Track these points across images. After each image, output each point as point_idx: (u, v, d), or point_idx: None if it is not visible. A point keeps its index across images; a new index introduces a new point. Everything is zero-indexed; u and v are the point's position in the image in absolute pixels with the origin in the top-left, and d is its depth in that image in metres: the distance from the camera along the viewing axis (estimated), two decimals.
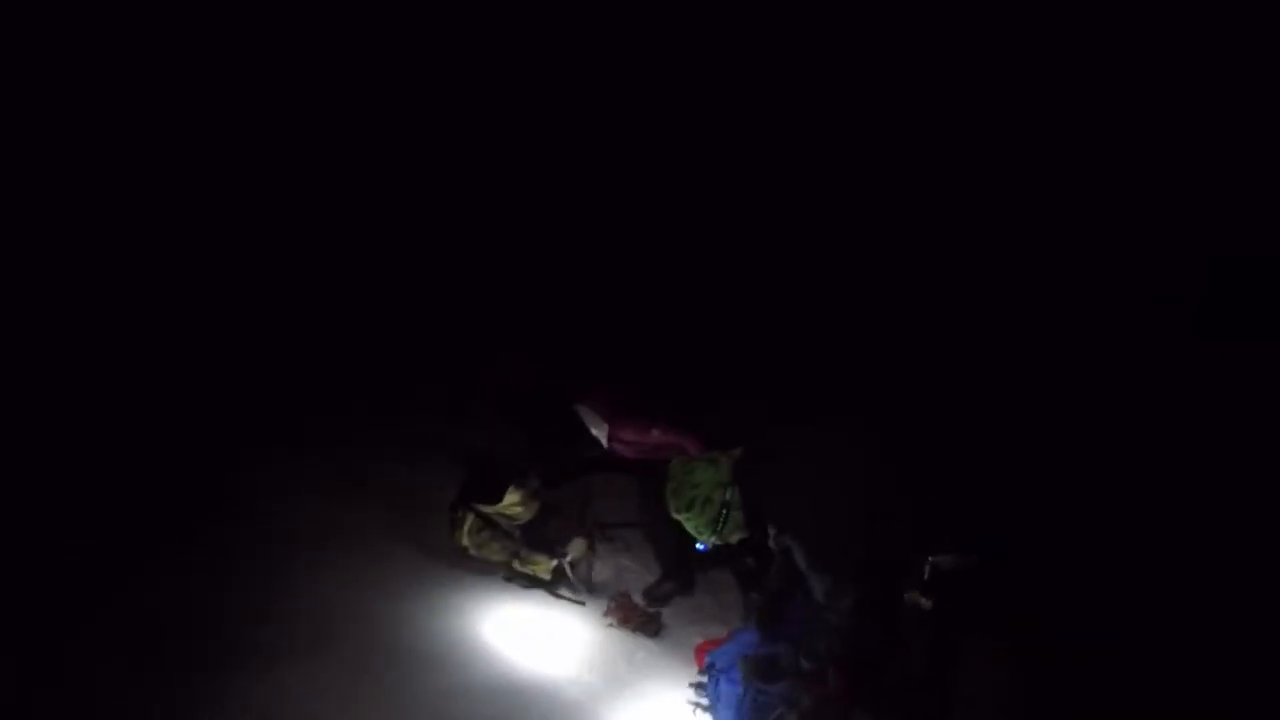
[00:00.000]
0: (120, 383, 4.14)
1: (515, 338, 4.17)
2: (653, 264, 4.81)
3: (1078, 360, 3.80)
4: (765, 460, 2.89)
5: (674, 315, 4.52)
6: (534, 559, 3.65)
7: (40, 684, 2.63)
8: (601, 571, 3.77)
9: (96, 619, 2.90)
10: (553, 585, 3.63)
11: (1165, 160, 3.79)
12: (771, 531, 2.88)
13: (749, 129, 4.80)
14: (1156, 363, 3.62)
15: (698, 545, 3.08)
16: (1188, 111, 3.75)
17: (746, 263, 4.68)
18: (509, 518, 3.71)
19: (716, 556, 3.49)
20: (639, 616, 3.53)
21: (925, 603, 2.74)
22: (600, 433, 3.58)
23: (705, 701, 3.12)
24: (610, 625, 3.51)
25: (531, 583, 3.64)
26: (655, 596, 3.61)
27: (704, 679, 3.16)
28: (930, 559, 2.72)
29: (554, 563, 3.63)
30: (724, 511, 2.91)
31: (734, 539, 3.01)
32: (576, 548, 3.69)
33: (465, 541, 3.65)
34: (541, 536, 3.74)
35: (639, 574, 3.77)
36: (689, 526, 2.98)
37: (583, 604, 3.60)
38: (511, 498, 3.69)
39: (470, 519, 3.66)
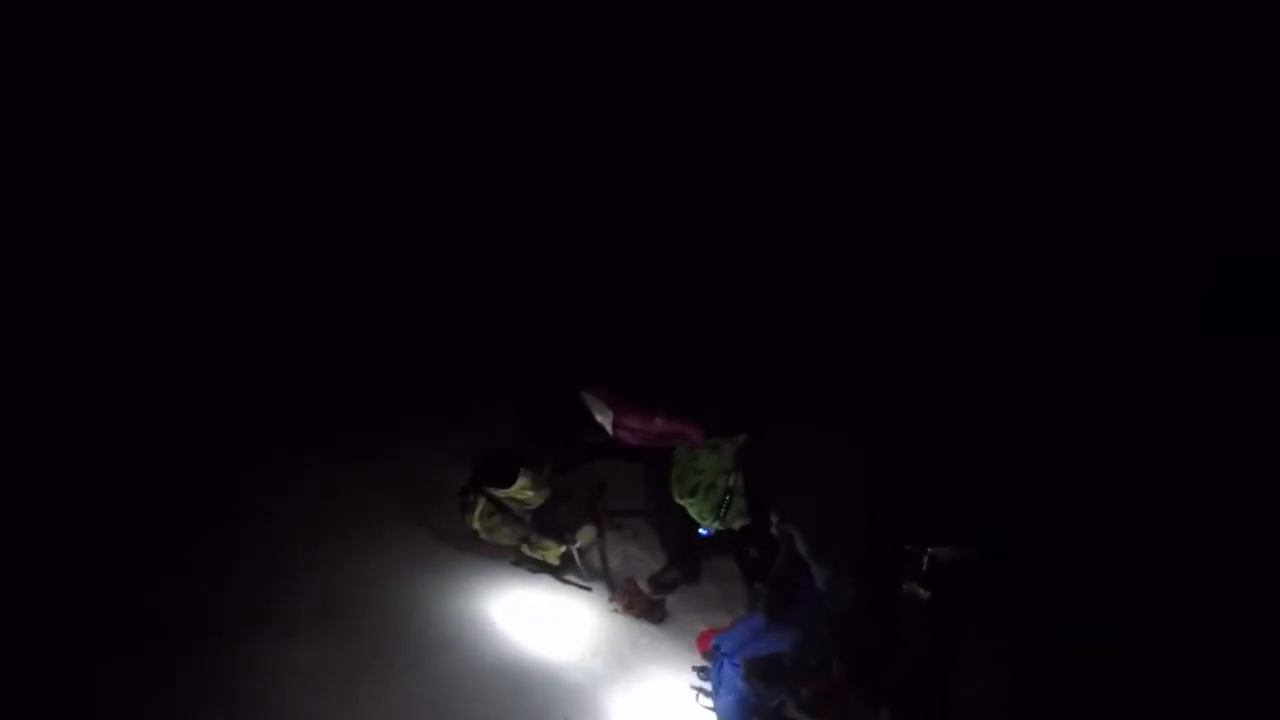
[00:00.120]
0: (120, 383, 4.14)
1: (515, 338, 4.19)
2: (652, 264, 4.81)
3: (1078, 360, 3.80)
4: (768, 452, 2.91)
5: (673, 316, 4.53)
6: (543, 544, 3.70)
7: (40, 684, 2.64)
8: (609, 558, 3.82)
9: (96, 619, 2.90)
10: (560, 571, 3.69)
11: (1165, 160, 3.79)
12: (774, 519, 2.91)
13: (749, 130, 4.80)
14: (1156, 363, 3.62)
15: (701, 531, 3.12)
16: (1188, 112, 3.75)
17: (746, 263, 4.69)
18: (520, 502, 3.74)
19: (720, 545, 3.54)
20: (644, 603, 3.57)
21: (923, 593, 2.76)
22: (605, 419, 3.62)
23: (708, 686, 3.16)
24: (616, 611, 3.56)
25: (539, 567, 3.70)
26: (660, 584, 3.66)
27: (707, 663, 3.21)
28: (929, 550, 2.74)
29: (563, 549, 3.68)
30: (727, 498, 2.95)
31: (736, 525, 3.06)
32: (586, 534, 3.74)
33: (476, 525, 3.69)
34: (551, 522, 3.78)
35: (645, 561, 3.82)
36: (692, 512, 3.02)
37: (589, 589, 3.66)
38: (523, 481, 3.72)
39: (482, 503, 3.69)
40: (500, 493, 3.71)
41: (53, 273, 4.44)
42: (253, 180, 5.02)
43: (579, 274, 4.85)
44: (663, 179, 4.94)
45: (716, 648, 3.18)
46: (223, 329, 4.61)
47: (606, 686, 3.17)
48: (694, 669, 3.25)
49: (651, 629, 3.51)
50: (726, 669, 3.09)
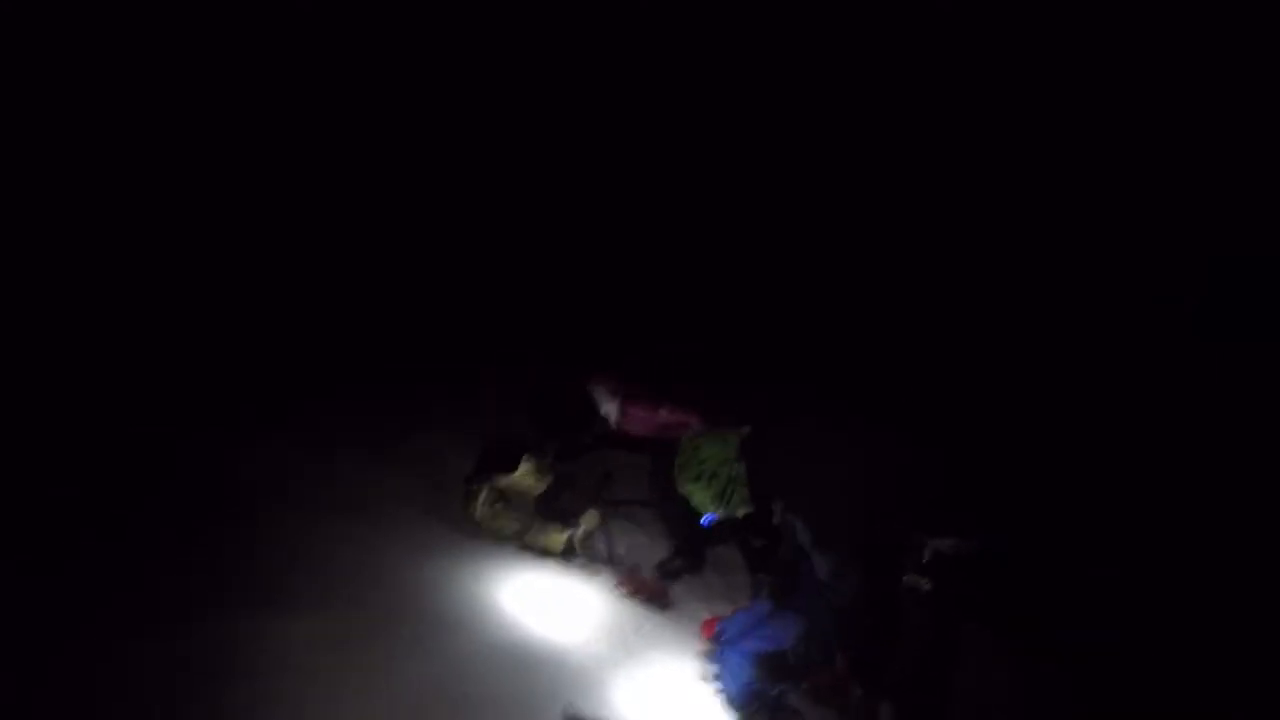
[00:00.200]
0: (120, 383, 4.13)
1: (518, 338, 4.24)
2: (654, 264, 4.83)
3: (1078, 360, 3.80)
4: (772, 442, 2.94)
5: (675, 316, 4.54)
6: (546, 531, 3.77)
7: (40, 684, 2.63)
8: (613, 545, 3.88)
9: (96, 619, 2.89)
10: (565, 556, 3.76)
11: (1165, 160, 3.79)
12: (776, 509, 2.94)
13: (752, 131, 4.81)
14: (1156, 363, 3.61)
15: (703, 519, 3.15)
16: (1188, 112, 3.75)
17: (751, 261, 4.70)
18: (522, 490, 3.83)
19: (724, 535, 3.60)
20: (649, 590, 3.65)
21: (924, 584, 2.78)
22: (611, 409, 3.67)
23: (711, 672, 3.18)
24: (621, 597, 3.63)
25: (544, 553, 3.76)
26: (666, 571, 3.73)
27: (711, 649, 3.23)
28: (931, 542, 2.75)
29: (565, 536, 3.75)
30: (730, 486, 2.98)
31: (739, 513, 3.10)
32: (590, 519, 3.82)
33: (479, 514, 3.76)
34: (555, 509, 3.86)
35: (650, 549, 3.90)
36: (695, 500, 3.07)
37: (595, 575, 3.73)
38: (525, 468, 3.82)
39: (484, 492, 3.78)
40: (503, 480, 3.79)
41: (53, 272, 4.43)
42: (254, 181, 5.02)
43: (588, 274, 4.89)
44: (668, 179, 4.96)
45: (720, 633, 3.23)
46: (223, 329, 4.61)
47: (610, 670, 3.21)
48: (699, 654, 3.27)
49: (656, 616, 3.57)
50: (730, 655, 3.13)
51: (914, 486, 2.75)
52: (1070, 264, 3.99)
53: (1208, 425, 3.38)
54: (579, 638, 3.36)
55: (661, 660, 3.33)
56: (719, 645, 3.21)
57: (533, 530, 3.77)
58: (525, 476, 3.82)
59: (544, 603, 3.51)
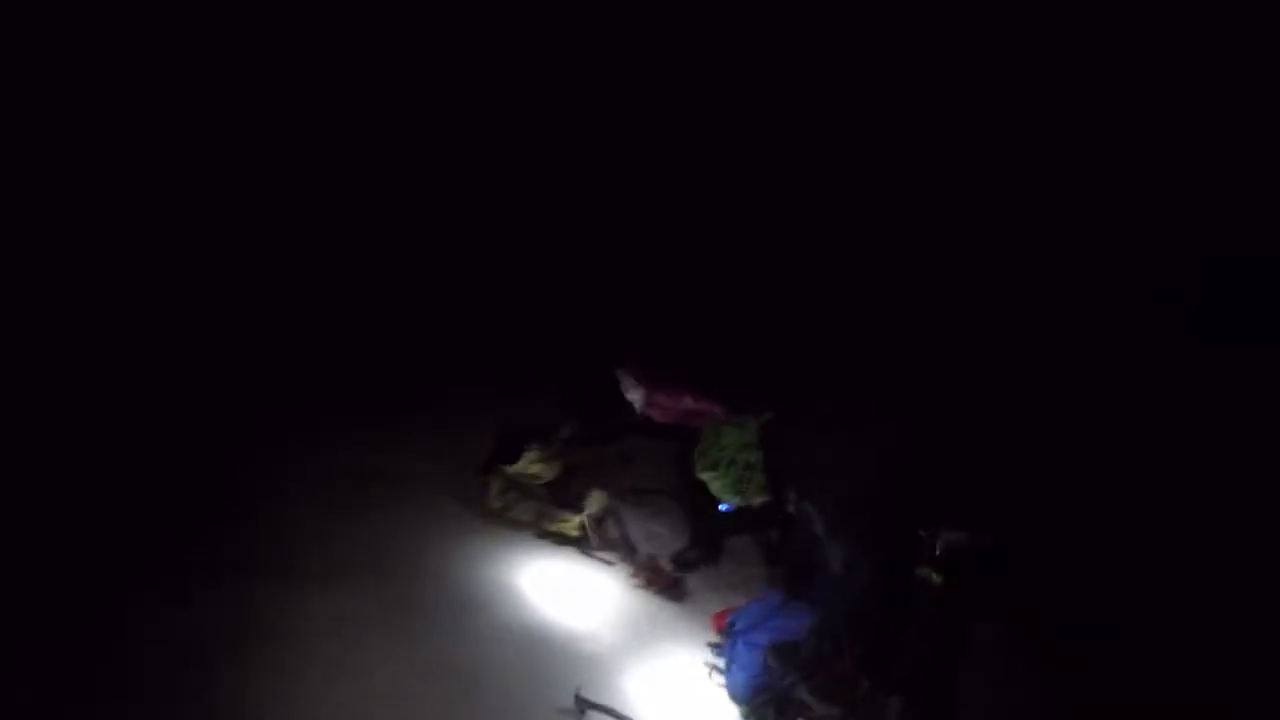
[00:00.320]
0: (120, 383, 4.13)
1: (519, 338, 4.29)
2: (670, 261, 4.87)
3: (1078, 360, 3.79)
4: (791, 430, 2.96)
5: (691, 311, 4.56)
6: (560, 517, 3.83)
7: (40, 684, 2.63)
8: (626, 529, 3.93)
9: (96, 619, 2.89)
10: (582, 543, 3.81)
11: (1165, 160, 3.79)
12: (792, 497, 2.95)
13: (759, 126, 4.83)
14: (1156, 363, 3.61)
15: (720, 506, 3.17)
16: (1188, 112, 3.75)
17: (767, 257, 4.72)
18: (532, 477, 3.92)
19: (742, 527, 3.61)
20: (665, 580, 3.68)
21: (936, 578, 2.77)
22: (637, 397, 3.70)
23: (720, 663, 3.19)
24: (637, 586, 3.66)
25: (562, 540, 3.82)
26: (682, 561, 3.76)
27: (720, 640, 3.25)
28: (943, 535, 2.75)
29: (579, 519, 3.80)
30: (747, 473, 2.99)
31: (756, 501, 3.13)
32: (595, 500, 3.87)
33: (495, 504, 3.85)
34: (567, 495, 3.93)
35: (668, 539, 3.95)
36: (713, 486, 3.11)
37: (611, 563, 3.77)
38: (530, 456, 3.93)
39: (497, 482, 3.87)
40: (512, 470, 3.89)
41: (53, 273, 4.43)
42: (254, 181, 5.03)
43: (598, 271, 4.94)
44: (678, 175, 4.98)
45: (731, 625, 3.24)
46: (224, 329, 4.62)
47: (622, 658, 3.26)
48: (708, 645, 3.30)
49: (671, 606, 3.62)
50: (740, 646, 3.14)
51: (928, 480, 2.76)
52: (1069, 264, 3.98)
53: (1208, 425, 3.38)
54: (592, 624, 3.41)
55: (672, 650, 3.37)
56: (729, 636, 3.23)
57: (547, 517, 3.84)
58: (532, 465, 3.91)
59: (559, 589, 3.57)
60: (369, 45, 5.09)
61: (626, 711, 2.95)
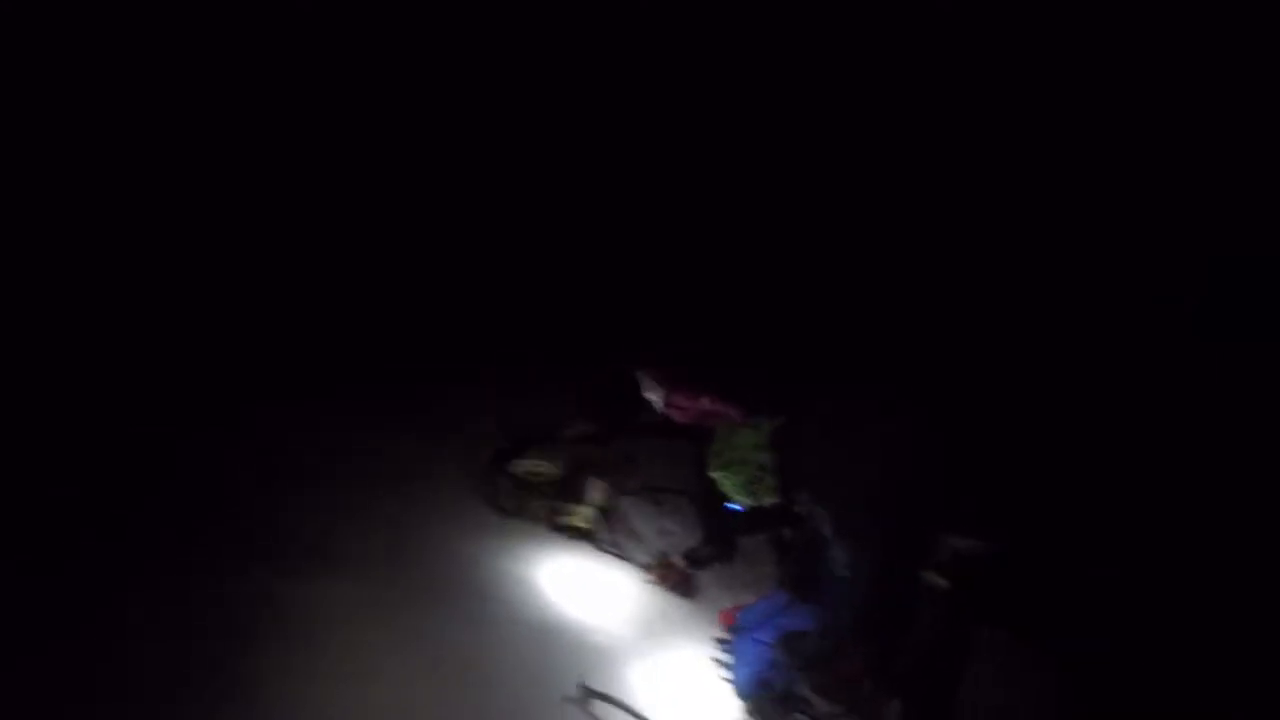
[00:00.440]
0: (120, 383, 4.13)
1: (522, 339, 4.32)
2: (678, 263, 4.89)
3: (1079, 361, 3.80)
4: (803, 431, 2.98)
5: (680, 314, 4.57)
6: (569, 510, 3.91)
7: (39, 684, 2.63)
8: (647, 533, 4.02)
9: (96, 619, 2.89)
10: (595, 537, 3.88)
11: (1165, 160, 3.79)
12: (802, 498, 2.97)
13: (761, 127, 4.83)
14: (1157, 363, 3.61)
15: (732, 506, 3.21)
16: (1187, 112, 3.75)
17: (773, 260, 4.74)
18: (537, 474, 3.99)
19: (756, 526, 3.66)
20: (677, 577, 3.74)
21: (941, 583, 2.79)
22: (656, 397, 3.78)
23: (726, 658, 3.22)
24: (649, 582, 3.72)
25: (576, 535, 3.89)
26: (694, 559, 3.79)
27: (727, 636, 3.28)
28: (951, 540, 2.76)
29: (588, 511, 3.89)
30: (759, 474, 3.03)
31: (767, 502, 3.17)
32: (597, 489, 3.95)
33: (504, 503, 3.93)
34: (574, 489, 4.00)
35: (681, 537, 4.01)
36: (725, 487, 3.14)
37: (625, 559, 3.84)
38: (535, 454, 4.01)
39: (504, 480, 3.96)
40: (518, 468, 3.98)
41: (53, 272, 4.43)
42: (255, 181, 5.03)
43: (602, 273, 4.96)
44: (682, 177, 4.99)
45: (738, 621, 3.27)
46: (225, 329, 4.62)
47: (630, 652, 3.30)
48: (715, 640, 3.33)
49: (682, 603, 3.67)
50: (746, 643, 3.17)
51: (930, 481, 2.77)
52: (1070, 264, 3.99)
53: (1208, 426, 3.38)
54: (604, 619, 3.46)
55: (680, 644, 3.41)
56: (736, 633, 3.27)
57: (557, 511, 3.91)
58: (535, 463, 3.97)
59: (571, 582, 3.62)
60: (368, 44, 5.09)
61: (631, 702, 2.97)
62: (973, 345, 3.96)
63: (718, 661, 3.32)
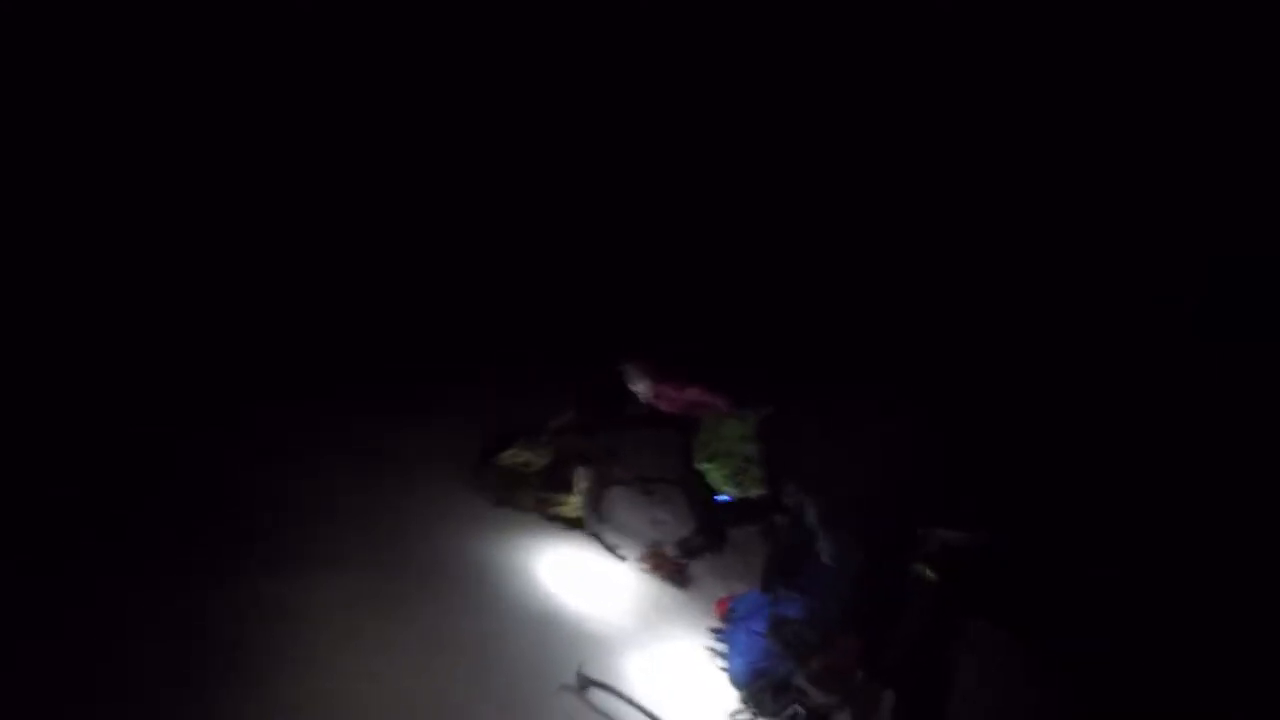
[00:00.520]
0: (120, 383, 4.13)
1: (522, 339, 4.33)
2: (670, 261, 4.89)
3: (1078, 360, 3.80)
4: (789, 423, 3.00)
5: (680, 314, 4.59)
6: (557, 499, 3.96)
7: (40, 684, 2.63)
8: (638, 523, 4.07)
9: (96, 619, 2.89)
10: (585, 526, 3.93)
11: (1165, 161, 3.79)
12: (788, 489, 2.98)
13: (761, 126, 4.83)
14: (1156, 363, 3.61)
15: (719, 497, 3.22)
16: (1188, 112, 3.75)
17: (768, 257, 4.75)
18: (524, 465, 4.03)
19: (747, 516, 3.68)
20: (670, 566, 3.79)
21: (931, 575, 2.80)
22: (643, 388, 3.81)
23: (721, 648, 3.23)
24: (642, 572, 3.78)
25: (569, 524, 3.94)
26: (687, 549, 3.81)
27: (722, 625, 3.29)
28: (940, 533, 2.77)
29: (575, 499, 3.93)
30: (745, 465, 3.04)
31: (753, 493, 3.17)
32: (583, 476, 4.00)
33: (496, 495, 3.97)
34: (562, 479, 4.05)
35: (673, 527, 4.06)
36: (711, 478, 3.14)
37: (617, 550, 3.88)
38: (519, 446, 4.07)
39: (492, 474, 4.01)
40: (505, 460, 4.03)
41: (53, 272, 4.43)
42: (264, 180, 5.04)
43: (596, 272, 4.96)
44: (681, 176, 5.00)
45: (732, 611, 3.29)
46: (225, 329, 4.62)
47: (625, 641, 3.34)
48: (710, 630, 3.34)
49: (675, 592, 3.72)
50: (740, 633, 3.18)
51: (926, 476, 2.78)
52: (1070, 264, 3.98)
53: (1208, 425, 3.38)
54: (599, 608, 3.49)
55: (675, 635, 3.45)
56: (730, 623, 3.28)
57: (546, 502, 3.96)
58: (521, 455, 4.03)
59: (566, 572, 3.65)
60: (368, 44, 5.09)
61: (628, 691, 3.00)
62: (972, 345, 3.96)
63: (713, 651, 3.34)
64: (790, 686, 3.07)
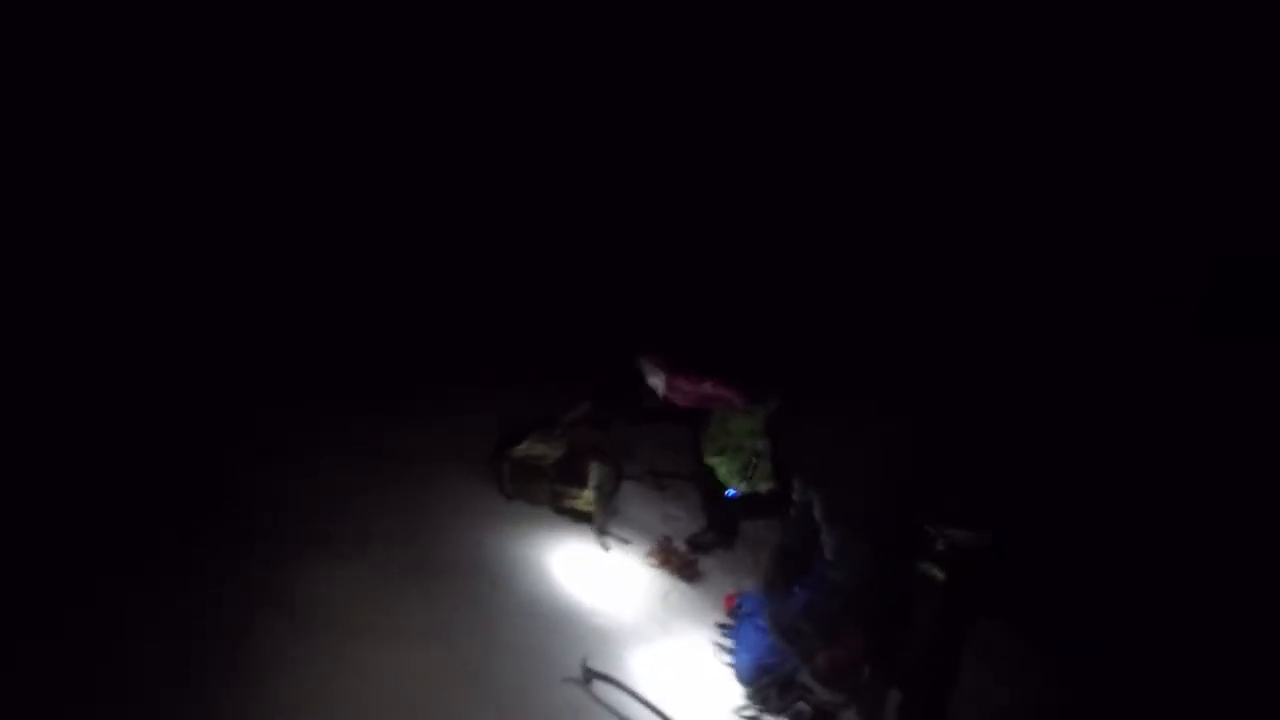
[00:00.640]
0: (120, 383, 4.13)
1: (522, 339, 4.33)
2: (676, 260, 4.90)
3: (1079, 360, 3.79)
4: (797, 418, 2.99)
5: (681, 314, 4.58)
6: (570, 493, 3.98)
7: (40, 684, 2.63)
8: (649, 517, 4.09)
9: (96, 619, 2.89)
10: (595, 519, 3.94)
11: (1165, 161, 3.79)
12: (795, 484, 2.98)
13: (763, 125, 4.84)
14: (1157, 363, 3.61)
15: (728, 491, 3.22)
16: (1188, 111, 3.75)
17: (777, 254, 4.75)
18: (538, 458, 4.05)
19: (758, 512, 3.69)
20: (679, 561, 3.80)
21: (938, 574, 2.79)
22: (658, 381, 3.80)
23: (728, 643, 3.23)
24: (652, 566, 3.78)
25: (579, 517, 3.96)
26: (697, 544, 3.84)
27: (729, 621, 3.29)
28: (946, 533, 2.77)
29: (590, 494, 3.94)
30: (753, 460, 3.05)
31: (762, 488, 3.18)
32: (596, 472, 4.00)
33: (508, 488, 4.01)
34: (575, 473, 4.06)
35: (684, 522, 4.09)
36: (720, 472, 3.14)
37: (628, 543, 3.90)
38: (534, 439, 4.10)
39: (506, 467, 4.02)
40: (518, 453, 4.05)
41: (53, 273, 4.43)
42: (264, 180, 5.04)
43: (610, 271, 4.97)
44: (684, 173, 5.00)
45: (739, 606, 3.28)
46: (228, 327, 4.63)
47: (631, 634, 3.34)
48: (717, 625, 3.33)
49: (684, 587, 3.72)
50: (747, 628, 3.17)
51: (930, 478, 2.78)
52: (1071, 264, 3.99)
53: (1208, 425, 3.38)
54: (607, 601, 3.50)
55: (682, 629, 3.45)
56: (737, 618, 3.28)
57: (559, 495, 3.98)
58: (535, 447, 4.05)
59: (575, 565, 3.67)
60: (369, 45, 5.10)
61: (632, 684, 3.00)
62: (973, 345, 3.95)
63: (720, 647, 3.35)
64: (796, 683, 3.07)
